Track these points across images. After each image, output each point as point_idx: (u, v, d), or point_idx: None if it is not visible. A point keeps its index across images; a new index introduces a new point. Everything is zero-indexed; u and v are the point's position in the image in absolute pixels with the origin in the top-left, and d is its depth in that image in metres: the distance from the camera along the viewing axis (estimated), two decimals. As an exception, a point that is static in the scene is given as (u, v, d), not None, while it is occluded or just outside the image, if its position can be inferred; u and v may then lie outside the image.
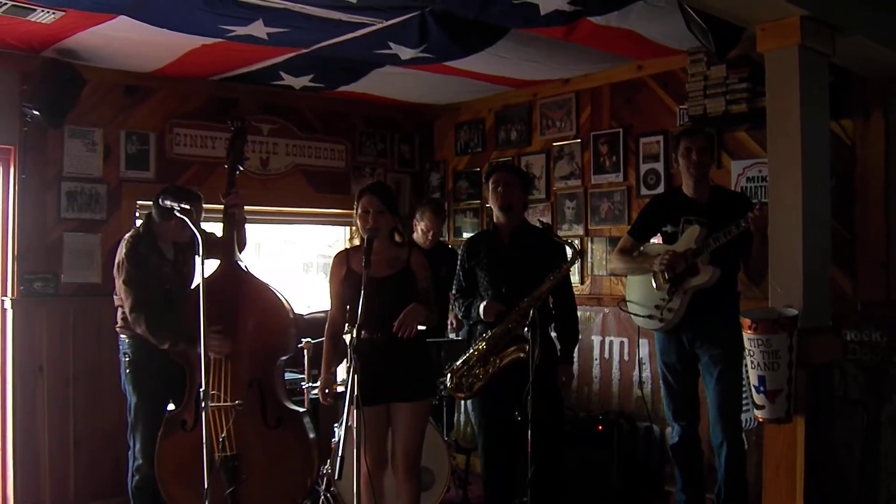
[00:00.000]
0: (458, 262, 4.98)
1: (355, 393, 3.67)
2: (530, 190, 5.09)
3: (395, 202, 4.42)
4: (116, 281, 4.79)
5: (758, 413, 3.53)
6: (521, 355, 4.43)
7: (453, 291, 5.05)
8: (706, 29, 4.00)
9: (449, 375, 4.79)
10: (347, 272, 4.30)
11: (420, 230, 6.01)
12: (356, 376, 3.67)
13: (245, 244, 5.05)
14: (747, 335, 3.44)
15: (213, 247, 4.65)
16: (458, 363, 4.77)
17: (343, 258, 4.39)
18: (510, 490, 4.80)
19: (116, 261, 4.81)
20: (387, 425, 4.32)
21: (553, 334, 4.85)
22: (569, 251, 4.66)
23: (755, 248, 4.27)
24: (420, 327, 4.54)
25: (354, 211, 4.34)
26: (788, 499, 3.51)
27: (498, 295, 4.68)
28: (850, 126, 4.73)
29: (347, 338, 4.29)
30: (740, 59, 4.80)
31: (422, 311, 4.20)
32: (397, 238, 4.42)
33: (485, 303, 4.67)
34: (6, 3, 4.29)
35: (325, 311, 4.53)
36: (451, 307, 6.03)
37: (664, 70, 5.60)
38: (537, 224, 4.97)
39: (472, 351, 4.72)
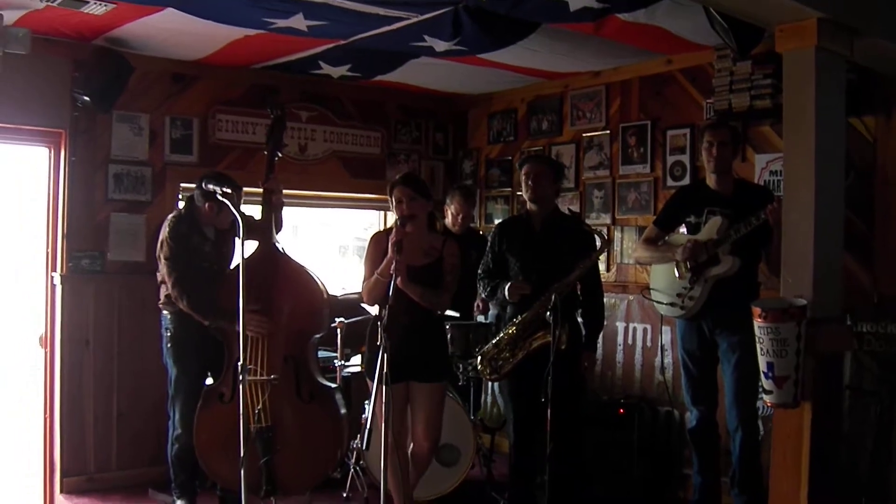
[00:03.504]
0: (489, 244, 5.11)
1: (384, 371, 3.84)
2: (562, 178, 5.17)
3: (426, 188, 4.56)
4: (159, 259, 4.98)
5: (766, 398, 3.65)
6: (550, 339, 4.53)
7: (479, 272, 5.15)
8: (728, 28, 4.11)
9: (479, 358, 4.95)
10: (385, 252, 4.37)
11: (450, 213, 6.16)
12: (385, 355, 3.84)
13: (282, 227, 5.19)
14: (757, 323, 3.55)
15: (252, 229, 4.82)
16: (488, 346, 4.92)
17: (381, 239, 4.50)
18: (535, 468, 4.95)
19: (160, 239, 4.99)
20: (406, 402, 4.52)
21: (580, 320, 4.99)
22: (598, 240, 4.80)
23: (775, 241, 4.34)
24: (449, 311, 4.70)
25: (390, 203, 4.49)
26: (794, 482, 3.61)
27: (528, 281, 4.80)
28: (872, 123, 4.78)
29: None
30: (765, 55, 4.86)
31: (402, 269, 4.21)
32: (438, 224, 4.58)
33: (509, 284, 4.81)
34: (62, -4, 4.51)
35: (360, 293, 4.67)
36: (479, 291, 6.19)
37: (693, 65, 5.67)
38: (566, 212, 5.10)
39: (501, 335, 4.87)
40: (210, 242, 5.10)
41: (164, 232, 4.98)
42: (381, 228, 4.66)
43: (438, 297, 4.45)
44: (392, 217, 4.59)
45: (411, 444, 4.59)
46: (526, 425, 4.90)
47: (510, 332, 4.83)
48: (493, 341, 4.92)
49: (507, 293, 4.80)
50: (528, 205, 4.98)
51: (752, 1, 3.61)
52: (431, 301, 4.42)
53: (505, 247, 5.00)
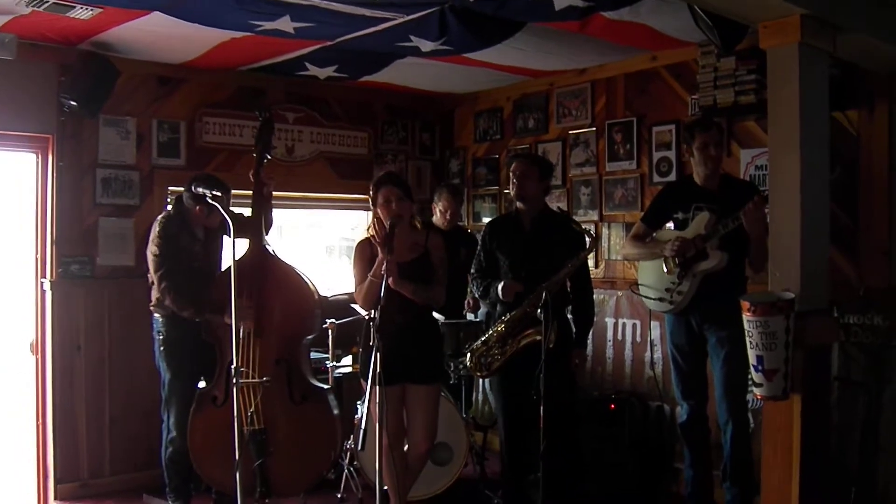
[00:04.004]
0: (480, 243, 5.15)
1: (377, 371, 3.85)
2: (549, 176, 5.19)
3: (410, 188, 4.59)
4: (147, 255, 4.99)
5: (756, 391, 3.68)
6: (538, 337, 4.57)
7: (472, 271, 5.20)
8: (712, 25, 4.14)
9: (469, 355, 4.98)
10: (372, 258, 4.44)
11: (438, 211, 6.20)
12: (378, 355, 3.85)
13: (271, 225, 5.21)
14: (746, 317, 3.58)
15: (242, 227, 4.81)
16: (477, 343, 4.96)
17: (367, 245, 4.55)
18: (527, 465, 4.99)
19: (150, 237, 5.01)
20: (402, 404, 4.54)
21: (570, 317, 5.02)
22: (587, 239, 4.83)
23: (753, 241, 4.39)
24: (437, 316, 4.72)
25: (372, 202, 4.52)
26: (785, 473, 3.64)
27: (518, 279, 4.85)
28: (856, 117, 4.81)
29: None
30: (749, 51, 4.90)
31: (393, 268, 4.23)
32: (417, 223, 4.62)
33: (503, 283, 4.85)
34: (48, 1, 4.48)
35: (349, 294, 4.69)
36: (468, 289, 6.22)
37: (677, 61, 5.71)
38: (556, 209, 5.13)
39: (491, 332, 4.91)
40: (200, 242, 5.12)
41: (155, 231, 5.00)
42: (364, 236, 4.65)
43: (431, 291, 4.49)
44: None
45: (407, 446, 4.62)
46: (516, 421, 4.95)
47: (499, 329, 4.87)
48: (482, 339, 4.95)
49: (500, 293, 4.83)
50: (516, 203, 5.01)
51: (736, -2, 3.65)
52: (424, 296, 4.45)
53: (495, 245, 5.03)
